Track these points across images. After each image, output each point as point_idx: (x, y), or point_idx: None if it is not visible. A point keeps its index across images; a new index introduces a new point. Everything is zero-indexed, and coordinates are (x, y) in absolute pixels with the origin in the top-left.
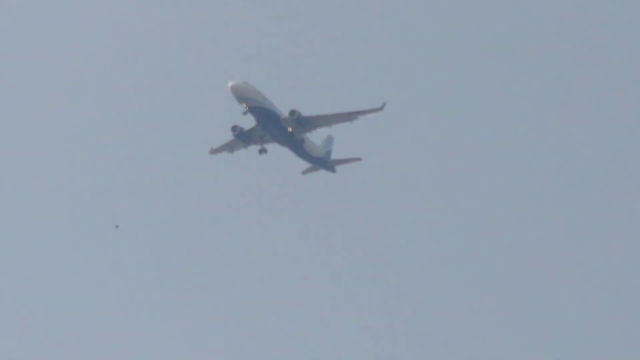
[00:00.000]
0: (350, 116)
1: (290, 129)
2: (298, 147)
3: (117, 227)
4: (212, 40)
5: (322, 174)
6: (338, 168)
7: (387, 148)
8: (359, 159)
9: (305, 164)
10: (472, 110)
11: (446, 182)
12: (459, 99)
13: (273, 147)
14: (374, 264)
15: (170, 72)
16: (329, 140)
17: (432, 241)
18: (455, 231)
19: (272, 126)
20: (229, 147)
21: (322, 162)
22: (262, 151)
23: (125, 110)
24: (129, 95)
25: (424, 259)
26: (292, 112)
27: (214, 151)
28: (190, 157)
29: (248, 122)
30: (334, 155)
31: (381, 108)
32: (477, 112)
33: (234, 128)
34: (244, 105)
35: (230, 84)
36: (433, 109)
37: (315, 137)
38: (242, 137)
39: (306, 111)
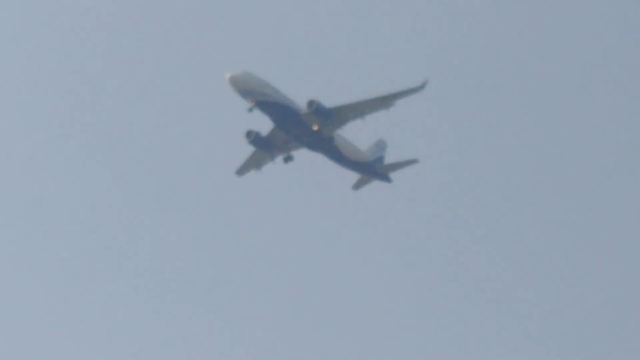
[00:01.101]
0: (384, 101)
1: (315, 127)
2: (332, 150)
3: None
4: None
5: (376, 185)
6: (394, 175)
7: (446, 144)
8: (415, 161)
9: (351, 175)
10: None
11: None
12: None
13: (306, 155)
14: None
15: (168, 72)
16: (380, 144)
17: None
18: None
19: (292, 125)
20: (254, 162)
21: (369, 168)
22: (288, 159)
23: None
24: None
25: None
26: (311, 103)
27: (240, 171)
28: (213, 179)
29: (265, 124)
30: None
31: (422, 87)
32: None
33: (249, 134)
34: (250, 100)
35: (227, 75)
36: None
37: (362, 142)
38: (260, 144)
39: (330, 103)
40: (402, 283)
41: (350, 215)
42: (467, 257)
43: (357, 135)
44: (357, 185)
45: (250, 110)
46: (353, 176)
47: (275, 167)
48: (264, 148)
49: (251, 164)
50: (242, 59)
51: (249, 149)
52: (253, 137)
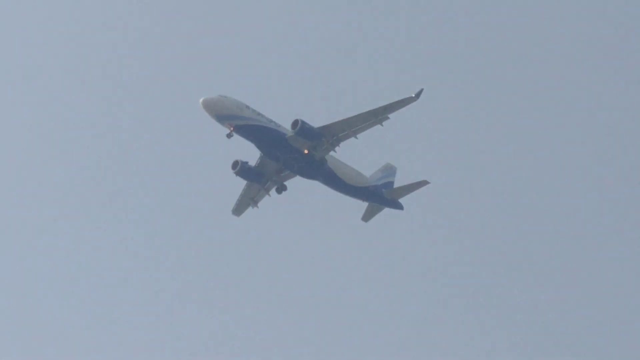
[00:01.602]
0: (376, 115)
1: (306, 151)
2: (328, 176)
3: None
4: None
5: (386, 213)
6: (405, 201)
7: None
8: (425, 183)
9: (358, 204)
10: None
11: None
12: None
13: (303, 184)
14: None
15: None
16: (387, 169)
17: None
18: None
19: (279, 150)
20: (248, 197)
21: (373, 194)
22: (281, 189)
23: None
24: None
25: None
26: (295, 123)
27: (237, 210)
28: (210, 220)
29: (254, 154)
30: None
31: (416, 97)
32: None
33: (234, 164)
34: (228, 126)
35: (201, 100)
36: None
37: (367, 167)
38: (248, 175)
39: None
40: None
41: (360, 250)
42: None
43: (363, 160)
44: (367, 216)
45: (229, 136)
46: (361, 205)
47: (271, 201)
48: (253, 179)
49: (245, 199)
50: (227, 81)
51: (239, 183)
52: (239, 168)
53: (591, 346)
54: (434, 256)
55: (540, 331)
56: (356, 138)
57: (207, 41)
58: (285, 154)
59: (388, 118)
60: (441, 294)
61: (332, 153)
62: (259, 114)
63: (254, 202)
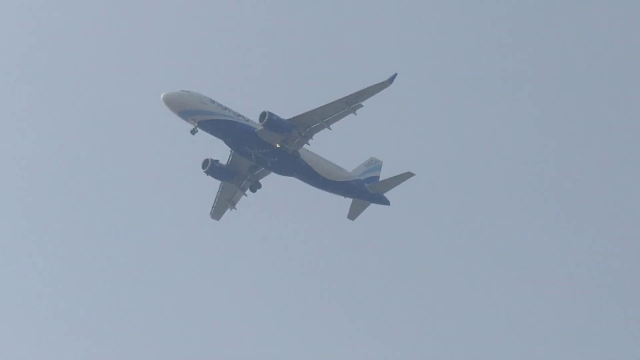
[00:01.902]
0: (348, 103)
1: (277, 145)
2: (304, 170)
3: None
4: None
5: (372, 210)
6: (390, 195)
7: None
8: (410, 175)
9: (341, 201)
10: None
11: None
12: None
13: (282, 182)
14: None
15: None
16: (372, 163)
17: None
18: None
19: (248, 145)
20: (225, 199)
21: (355, 189)
22: (255, 187)
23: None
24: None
25: None
26: (262, 116)
27: (215, 213)
28: (189, 225)
29: (224, 152)
30: None
31: (389, 82)
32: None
33: (204, 163)
34: (192, 121)
35: (162, 95)
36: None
37: (349, 162)
38: (220, 174)
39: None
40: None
41: (347, 248)
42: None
43: (348, 154)
44: (353, 214)
45: (193, 132)
46: (345, 202)
47: (248, 201)
48: (226, 177)
49: (222, 201)
50: (192, 76)
51: (212, 183)
52: (209, 166)
53: (590, 345)
54: (422, 252)
55: (536, 329)
56: (329, 129)
57: (170, 34)
58: (256, 149)
59: (361, 106)
60: (429, 290)
61: (307, 147)
62: (225, 108)
63: (232, 203)
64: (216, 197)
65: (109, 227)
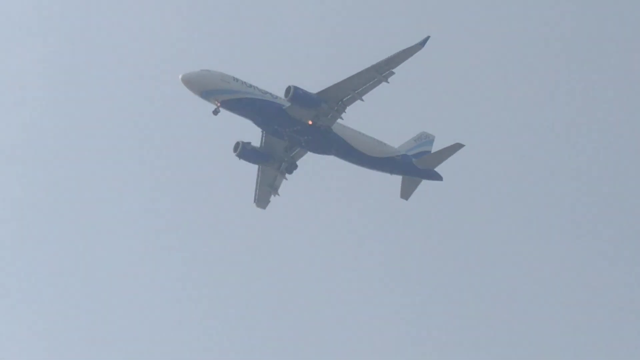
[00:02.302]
0: (379, 71)
1: (310, 122)
2: (342, 147)
3: None
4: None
5: (425, 186)
6: (442, 170)
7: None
8: (459, 147)
9: (389, 179)
10: None
11: None
12: None
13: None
14: None
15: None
16: (422, 137)
17: None
18: None
19: (278, 125)
20: (267, 185)
21: (400, 165)
22: (291, 168)
23: None
24: None
25: None
26: (287, 90)
27: (259, 201)
28: (233, 213)
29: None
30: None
31: (422, 44)
32: None
33: (235, 146)
34: (214, 101)
35: (180, 76)
36: None
37: (397, 138)
38: (252, 157)
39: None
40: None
41: (403, 229)
42: None
43: (400, 129)
44: (405, 192)
45: (215, 112)
46: (394, 181)
47: (292, 184)
48: (260, 160)
49: (264, 188)
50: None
51: (247, 167)
52: (239, 150)
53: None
54: (479, 230)
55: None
56: (362, 100)
57: (189, 14)
58: (286, 127)
59: (393, 73)
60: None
61: (343, 122)
62: (250, 85)
63: (274, 189)
64: (256, 183)
65: (152, 224)
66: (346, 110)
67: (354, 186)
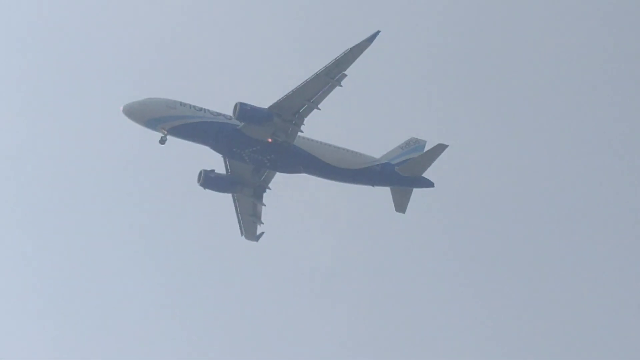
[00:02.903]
0: (329, 74)
1: (269, 139)
2: (312, 164)
3: None
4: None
5: (416, 195)
6: (430, 175)
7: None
8: (443, 147)
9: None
10: None
11: None
12: None
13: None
14: None
15: None
16: (411, 144)
17: None
18: None
19: (236, 147)
20: (248, 215)
21: (381, 175)
22: (260, 191)
23: None
24: None
25: None
26: (234, 108)
27: (247, 233)
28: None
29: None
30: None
31: (369, 41)
32: None
33: (199, 176)
34: (161, 129)
35: (121, 107)
36: None
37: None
38: (218, 185)
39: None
40: None
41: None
42: None
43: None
44: (399, 205)
45: (161, 141)
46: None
47: (269, 210)
48: (227, 188)
49: (246, 218)
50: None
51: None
52: (202, 180)
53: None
54: (477, 236)
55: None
56: (318, 109)
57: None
58: (244, 148)
59: (345, 75)
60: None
61: (309, 135)
62: (200, 109)
63: (256, 217)
64: (237, 214)
65: (142, 267)
66: (304, 123)
67: (340, 204)
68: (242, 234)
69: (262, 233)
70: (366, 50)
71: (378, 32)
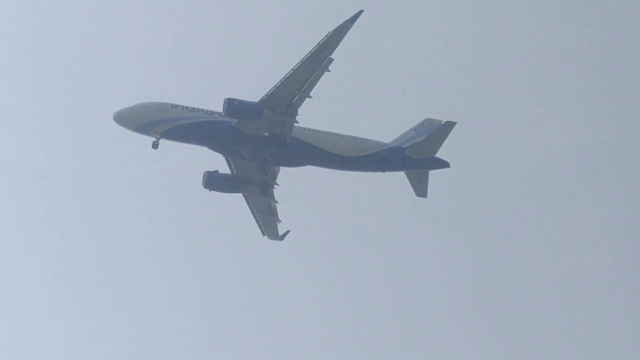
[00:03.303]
0: (315, 60)
1: (266, 133)
2: (314, 154)
3: None
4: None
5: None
6: (444, 154)
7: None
8: (451, 125)
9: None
10: None
11: None
12: None
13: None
14: None
15: None
16: (424, 125)
17: None
18: None
19: (234, 144)
20: (265, 214)
21: (389, 160)
22: (267, 188)
23: None
24: None
25: None
26: (223, 104)
27: (270, 234)
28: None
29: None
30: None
31: (352, 21)
32: None
33: (202, 178)
34: (154, 133)
35: (113, 115)
36: None
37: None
38: (223, 186)
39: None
40: None
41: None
42: None
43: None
44: (418, 189)
45: (154, 146)
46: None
47: (294, 205)
48: (234, 188)
49: (264, 217)
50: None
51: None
52: (206, 181)
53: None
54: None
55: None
56: (310, 97)
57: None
58: (242, 144)
59: (332, 60)
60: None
61: (307, 125)
62: (192, 109)
63: (274, 215)
64: (253, 215)
65: (167, 277)
66: (299, 113)
67: (356, 194)
68: (263, 234)
69: (288, 231)
70: (375, 38)
71: (361, 11)
